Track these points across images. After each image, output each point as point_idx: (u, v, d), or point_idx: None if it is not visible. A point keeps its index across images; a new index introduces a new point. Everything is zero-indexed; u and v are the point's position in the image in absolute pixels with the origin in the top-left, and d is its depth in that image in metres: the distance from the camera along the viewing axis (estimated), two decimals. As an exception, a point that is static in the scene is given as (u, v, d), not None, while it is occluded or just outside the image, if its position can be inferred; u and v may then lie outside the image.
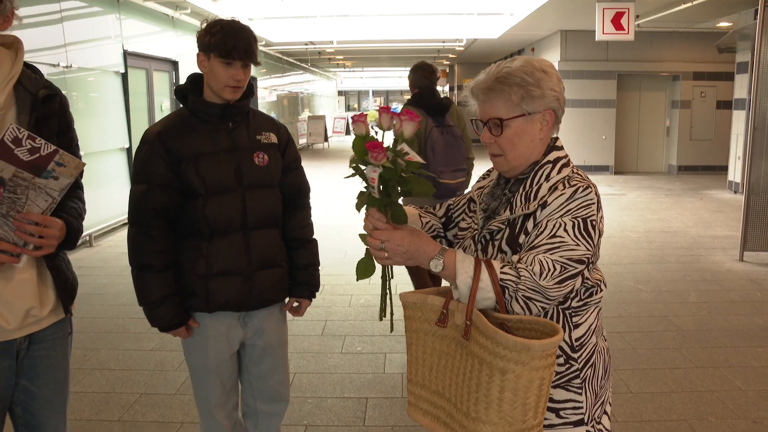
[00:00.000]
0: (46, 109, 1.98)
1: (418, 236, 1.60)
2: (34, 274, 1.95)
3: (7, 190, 1.71)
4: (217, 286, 2.35)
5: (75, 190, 2.08)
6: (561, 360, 1.68)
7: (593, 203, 1.59)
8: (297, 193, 2.58)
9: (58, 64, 7.50)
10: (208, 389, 2.51)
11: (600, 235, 1.62)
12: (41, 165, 1.71)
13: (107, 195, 8.33)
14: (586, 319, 1.70)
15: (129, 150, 9.35)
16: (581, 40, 13.95)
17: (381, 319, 1.76)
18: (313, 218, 2.69)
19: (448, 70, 25.95)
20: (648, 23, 11.86)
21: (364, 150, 1.54)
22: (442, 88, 28.79)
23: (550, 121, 1.69)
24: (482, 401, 1.49)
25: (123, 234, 8.80)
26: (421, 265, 1.58)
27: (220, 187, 2.33)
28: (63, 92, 2.08)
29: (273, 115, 19.08)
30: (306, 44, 18.03)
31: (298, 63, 23.48)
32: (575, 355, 1.69)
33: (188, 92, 2.39)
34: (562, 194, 1.59)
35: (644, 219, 9.37)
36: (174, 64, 11.28)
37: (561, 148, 1.74)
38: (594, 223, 1.58)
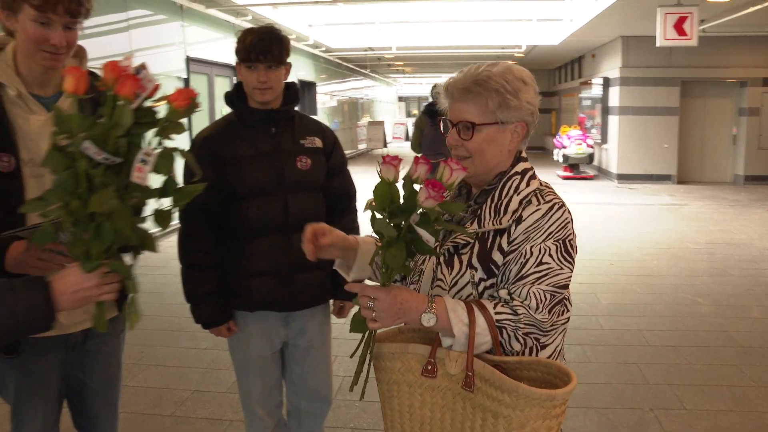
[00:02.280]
0: None
1: (405, 291, 1.48)
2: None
3: None
4: (258, 286, 2.42)
5: None
6: None
7: (569, 222, 1.56)
8: (343, 196, 2.63)
9: (125, 70, 7.76)
10: (250, 386, 2.59)
11: (576, 252, 1.58)
12: None
13: (168, 197, 8.52)
14: (552, 341, 1.60)
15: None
16: (643, 45, 13.64)
17: (351, 389, 1.61)
18: (360, 222, 2.72)
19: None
20: (713, 28, 11.53)
21: (387, 198, 1.39)
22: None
23: (521, 134, 1.63)
24: None
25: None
26: (411, 323, 1.47)
27: (261, 190, 2.41)
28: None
29: (335, 121, 19.36)
30: (365, 50, 18.16)
31: (358, 69, 23.67)
32: None
33: (234, 98, 2.49)
34: (538, 209, 1.54)
35: (706, 230, 9.10)
36: (234, 70, 11.47)
37: (526, 159, 1.68)
38: (572, 242, 1.56)
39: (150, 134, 1.40)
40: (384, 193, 1.40)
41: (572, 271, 1.55)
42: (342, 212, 2.63)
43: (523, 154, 1.68)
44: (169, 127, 1.37)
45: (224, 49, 11.07)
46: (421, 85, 44.36)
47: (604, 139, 15.30)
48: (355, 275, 1.76)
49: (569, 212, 1.59)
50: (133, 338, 4.88)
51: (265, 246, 2.42)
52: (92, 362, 2.18)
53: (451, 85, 1.63)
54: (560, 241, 1.53)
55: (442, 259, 1.62)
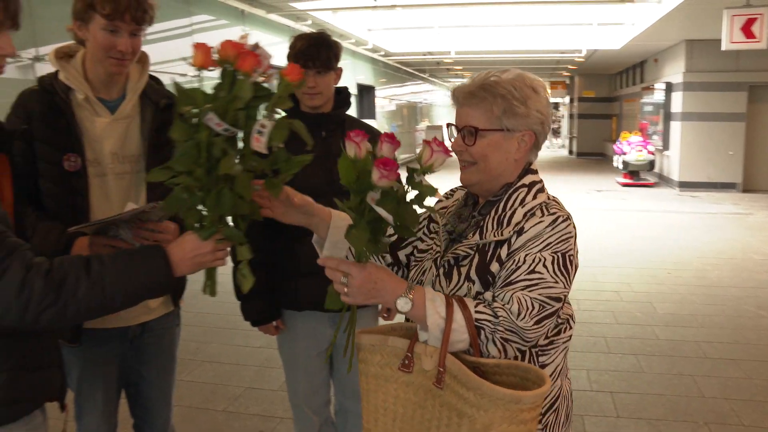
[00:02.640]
0: (165, 118, 2.14)
1: (382, 271, 1.44)
2: None
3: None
4: (305, 286, 2.47)
5: None
6: None
7: (571, 236, 1.50)
8: None
9: (187, 75, 7.99)
10: (297, 384, 2.65)
11: (576, 270, 1.52)
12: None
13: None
14: (553, 360, 1.56)
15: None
16: (708, 49, 13.27)
17: (328, 359, 1.61)
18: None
19: (568, 82, 25.42)
20: (785, 31, 11.15)
21: (352, 175, 1.40)
22: (562, 100, 28.26)
23: (528, 143, 1.56)
24: None
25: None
26: (385, 304, 1.43)
27: (310, 192, 2.44)
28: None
29: (393, 125, 19.43)
30: (424, 54, 18.20)
31: (417, 73, 23.73)
32: None
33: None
34: (541, 221, 1.48)
35: (772, 241, 8.82)
36: (294, 73, 11.69)
37: (536, 171, 1.62)
38: (572, 258, 1.49)
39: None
40: (347, 169, 1.39)
41: (567, 287, 1.47)
42: None
43: (533, 166, 1.63)
44: (280, 100, 1.42)
45: (283, 53, 11.27)
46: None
47: (665, 146, 14.94)
48: (327, 252, 1.71)
49: (574, 227, 1.53)
50: (188, 334, 5.00)
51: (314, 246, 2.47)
52: (149, 355, 2.28)
53: (458, 89, 1.59)
54: (558, 254, 1.46)
55: (441, 270, 1.58)
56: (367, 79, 17.29)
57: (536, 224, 1.47)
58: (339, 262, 1.43)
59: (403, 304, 1.40)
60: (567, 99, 26.05)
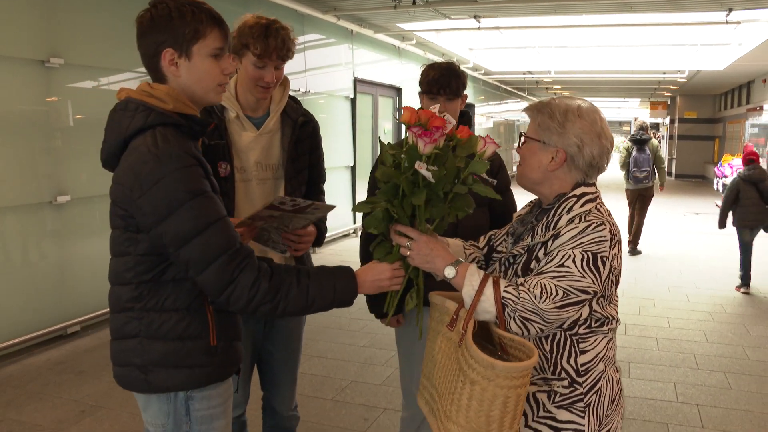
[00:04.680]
0: (302, 133, 2.59)
1: (440, 244, 1.75)
2: (280, 261, 2.55)
3: (277, 220, 2.27)
4: (425, 286, 2.81)
5: (321, 197, 2.73)
6: (566, 383, 1.74)
7: (606, 240, 1.66)
8: (506, 214, 2.96)
9: (299, 90, 8.58)
10: (412, 372, 3.00)
11: (611, 272, 1.69)
12: (301, 210, 2.24)
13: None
14: (593, 347, 1.75)
15: (353, 168, 10.31)
16: (821, 72, 12.89)
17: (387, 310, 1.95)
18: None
19: (669, 102, 24.84)
20: None
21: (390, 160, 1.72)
22: (663, 120, 27.57)
23: (560, 160, 1.77)
24: (455, 403, 1.63)
25: (344, 243, 9.78)
26: (436, 271, 1.74)
27: None
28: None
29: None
30: (524, 74, 18.32)
31: (516, 91, 23.80)
32: (580, 380, 1.75)
33: None
34: (575, 228, 1.67)
35: None
36: (398, 91, 12.17)
37: (592, 185, 1.81)
38: (604, 258, 1.65)
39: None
40: (412, 152, 1.69)
41: (596, 284, 1.65)
42: (502, 226, 3.00)
43: (592, 182, 1.83)
44: (480, 165, 1.76)
45: (388, 71, 11.72)
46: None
47: (772, 170, 14.49)
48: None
49: (611, 233, 1.69)
50: (300, 330, 5.47)
51: None
52: (279, 336, 2.68)
53: (528, 107, 1.88)
54: (589, 253, 1.64)
55: (502, 268, 1.87)
56: (468, 97, 17.54)
57: (571, 229, 1.68)
58: (406, 228, 1.75)
59: (449, 271, 1.71)
60: (667, 119, 25.38)
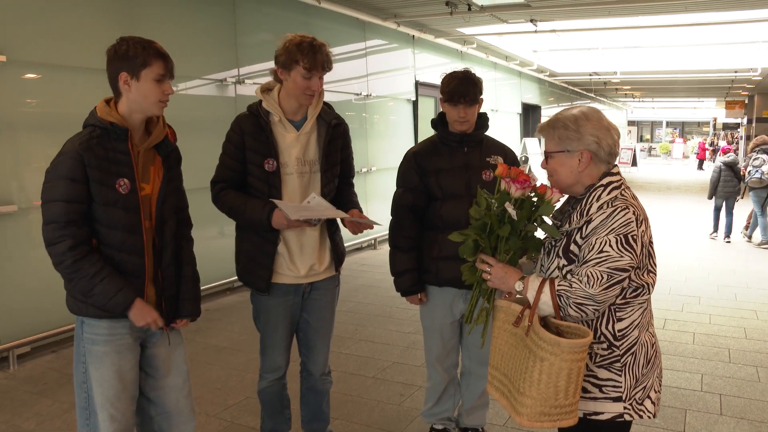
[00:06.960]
0: (335, 133, 2.98)
1: (512, 269, 2.10)
2: (317, 243, 2.95)
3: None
4: (444, 267, 3.13)
5: (350, 189, 3.12)
6: (604, 345, 2.04)
7: (631, 221, 1.94)
8: None
9: (361, 93, 8.99)
10: (432, 346, 3.34)
11: (643, 246, 1.98)
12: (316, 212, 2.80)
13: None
14: (629, 315, 2.04)
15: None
16: None
17: (468, 321, 2.33)
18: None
19: (747, 101, 24.03)
20: None
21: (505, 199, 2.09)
22: (741, 120, 26.67)
23: (587, 159, 2.06)
24: (527, 380, 1.95)
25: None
26: (509, 288, 2.08)
27: (453, 194, 3.12)
28: (363, 116, 3.11)
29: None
30: (590, 75, 18.24)
31: (584, 92, 23.60)
32: (617, 343, 2.03)
33: (438, 123, 3.24)
34: (603, 213, 1.97)
35: None
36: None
37: (616, 173, 2.09)
38: (635, 237, 1.94)
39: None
40: (502, 196, 2.10)
41: (633, 259, 1.94)
42: None
43: (615, 170, 2.11)
44: (547, 207, 2.11)
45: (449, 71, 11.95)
46: (653, 110, 41.82)
47: None
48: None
49: (635, 214, 1.97)
50: (349, 318, 5.97)
51: None
52: (315, 307, 3.06)
53: (539, 128, 2.19)
54: (620, 235, 1.93)
55: (545, 251, 2.19)
56: (533, 99, 17.59)
57: (600, 215, 1.97)
58: (488, 257, 2.12)
59: (518, 286, 2.05)
60: (744, 119, 24.50)
